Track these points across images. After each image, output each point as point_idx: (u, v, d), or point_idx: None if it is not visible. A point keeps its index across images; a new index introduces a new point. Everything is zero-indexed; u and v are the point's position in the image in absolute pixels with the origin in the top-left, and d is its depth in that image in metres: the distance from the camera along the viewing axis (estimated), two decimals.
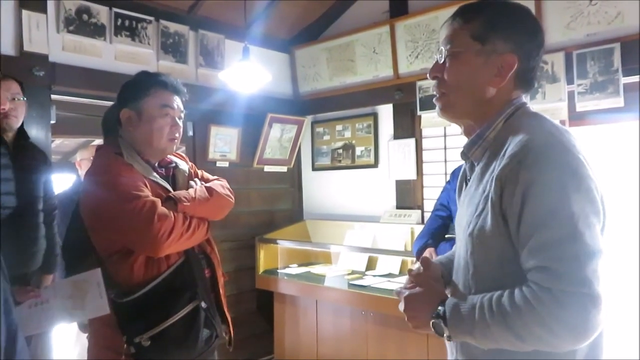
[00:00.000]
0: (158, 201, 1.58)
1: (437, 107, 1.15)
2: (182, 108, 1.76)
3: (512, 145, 0.99)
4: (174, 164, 1.80)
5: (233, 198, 1.85)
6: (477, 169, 1.10)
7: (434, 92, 1.14)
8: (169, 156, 1.81)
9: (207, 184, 1.81)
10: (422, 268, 1.18)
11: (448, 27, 1.12)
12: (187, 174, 1.82)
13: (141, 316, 1.55)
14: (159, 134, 1.68)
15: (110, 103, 2.45)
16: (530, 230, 0.94)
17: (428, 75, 1.15)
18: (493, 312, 0.95)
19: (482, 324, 0.96)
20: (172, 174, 1.79)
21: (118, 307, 1.59)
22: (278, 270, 3.69)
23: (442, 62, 1.11)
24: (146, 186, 1.61)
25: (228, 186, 1.87)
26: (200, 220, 1.69)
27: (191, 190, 1.72)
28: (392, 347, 2.95)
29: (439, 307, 1.04)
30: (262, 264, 3.71)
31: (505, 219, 0.98)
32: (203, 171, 1.93)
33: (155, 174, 1.70)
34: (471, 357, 1.09)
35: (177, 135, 1.73)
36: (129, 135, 1.71)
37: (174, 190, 1.71)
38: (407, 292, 1.11)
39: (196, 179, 1.83)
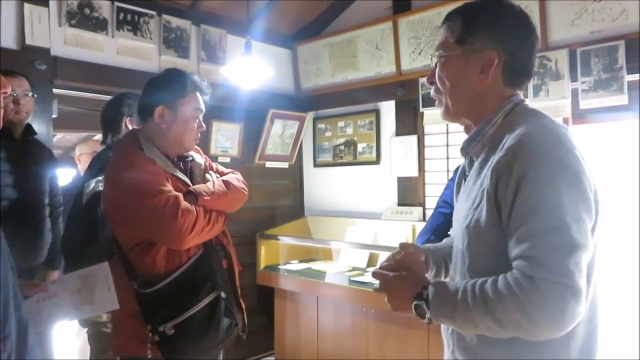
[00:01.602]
0: (181, 196, 1.64)
1: (439, 110, 1.20)
2: (204, 108, 1.83)
3: (510, 139, 1.02)
4: (190, 158, 1.85)
5: (247, 191, 1.91)
6: (476, 164, 1.13)
7: (433, 97, 1.20)
8: None
9: (224, 178, 1.86)
10: (401, 252, 1.23)
11: (439, 33, 1.18)
12: (203, 167, 1.87)
13: (164, 306, 1.61)
14: (190, 134, 1.76)
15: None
16: (519, 220, 0.96)
17: (426, 81, 1.22)
18: (475, 296, 0.97)
19: (464, 307, 0.98)
20: (189, 168, 1.83)
21: (142, 298, 1.64)
22: (279, 267, 3.69)
23: (434, 68, 1.17)
24: (168, 181, 1.66)
25: (243, 179, 1.93)
26: (218, 213, 1.75)
27: (210, 184, 1.77)
28: (393, 344, 2.95)
29: (423, 290, 1.06)
30: (263, 260, 3.72)
31: (499, 211, 1.00)
32: (217, 164, 1.98)
33: (174, 168, 1.75)
34: (467, 353, 1.10)
35: (199, 134, 1.81)
36: (157, 130, 1.74)
37: (192, 183, 1.76)
38: (390, 275, 1.14)
39: (211, 172, 1.88)
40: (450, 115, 1.18)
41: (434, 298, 1.03)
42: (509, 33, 1.10)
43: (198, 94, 1.79)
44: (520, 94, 1.15)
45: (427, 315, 1.04)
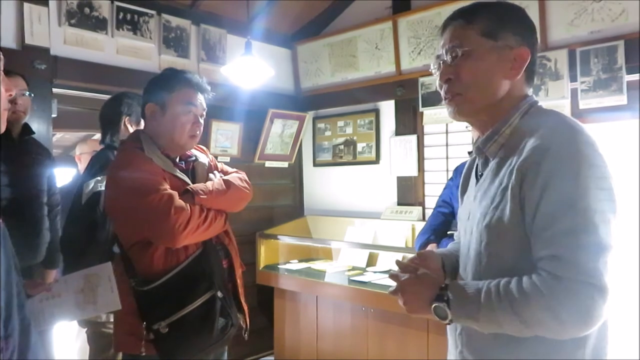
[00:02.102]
0: (175, 194, 1.64)
1: (451, 109, 1.15)
2: (204, 106, 1.82)
3: (535, 138, 1.01)
4: (194, 158, 1.86)
5: (251, 190, 1.90)
6: (492, 163, 1.11)
7: (445, 95, 1.14)
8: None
9: (225, 177, 1.85)
10: (418, 258, 1.21)
11: (451, 29, 1.13)
12: (206, 167, 1.87)
13: (160, 304, 1.62)
14: (181, 130, 1.74)
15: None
16: (546, 219, 0.95)
17: (439, 79, 1.14)
18: (500, 297, 0.97)
19: (488, 308, 0.98)
20: (191, 167, 1.83)
21: (139, 295, 1.65)
22: (279, 266, 3.69)
23: (451, 63, 1.11)
24: (165, 179, 1.66)
25: (246, 178, 1.92)
26: (217, 212, 1.75)
27: (209, 183, 1.77)
28: (393, 343, 2.95)
29: (442, 291, 1.05)
30: (263, 260, 3.72)
31: (523, 210, 1.00)
32: (223, 164, 1.98)
33: (174, 167, 1.75)
34: (478, 353, 1.09)
35: (197, 132, 1.79)
36: (151, 129, 1.77)
37: (194, 183, 1.77)
38: (405, 277, 1.12)
39: (215, 172, 1.88)
40: (469, 112, 1.14)
41: (456, 299, 1.02)
42: (530, 32, 1.12)
43: (191, 90, 1.77)
44: (533, 95, 1.16)
45: (449, 317, 1.03)
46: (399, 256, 3.35)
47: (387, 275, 3.16)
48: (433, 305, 1.05)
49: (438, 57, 1.15)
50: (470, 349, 1.11)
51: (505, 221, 1.02)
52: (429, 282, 1.10)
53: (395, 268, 1.19)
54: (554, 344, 0.98)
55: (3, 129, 1.02)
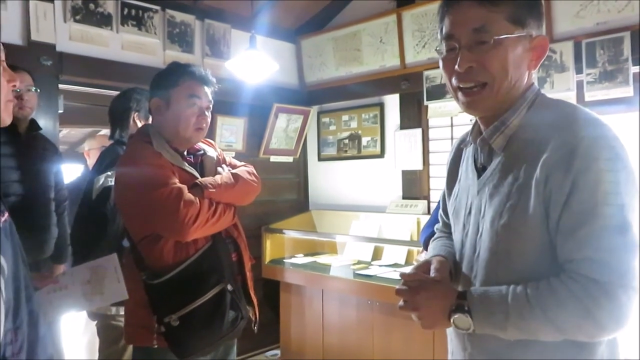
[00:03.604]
0: (184, 188, 1.65)
1: (468, 99, 1.05)
2: (210, 99, 1.82)
3: (559, 133, 0.96)
4: (202, 151, 1.87)
5: (259, 183, 1.90)
6: (501, 157, 1.05)
7: (463, 85, 1.04)
8: (198, 143, 1.87)
9: (234, 170, 1.86)
10: (425, 265, 1.13)
11: (468, 8, 1.03)
12: (215, 161, 1.87)
13: (171, 297, 1.64)
14: (186, 123, 1.74)
15: (117, 93, 2.47)
16: (578, 218, 0.91)
17: (458, 67, 1.03)
18: (531, 304, 0.92)
19: (517, 317, 0.93)
20: (200, 161, 1.84)
21: (149, 289, 1.66)
22: (284, 260, 3.71)
23: (473, 50, 1.01)
24: (174, 173, 1.67)
25: (254, 172, 1.92)
26: (226, 205, 1.76)
27: (217, 177, 1.78)
28: (398, 337, 2.96)
29: (460, 300, 0.99)
30: (269, 254, 3.74)
31: (547, 209, 0.95)
32: (231, 158, 1.99)
33: (183, 161, 1.76)
34: (491, 356, 1.05)
35: (204, 125, 1.78)
36: (158, 123, 1.78)
37: (202, 176, 1.77)
38: (415, 291, 1.04)
39: (223, 165, 1.88)
40: (491, 105, 1.04)
41: (480, 309, 0.97)
42: (543, 19, 1.06)
43: (195, 83, 1.76)
44: (534, 83, 1.10)
45: (472, 328, 0.98)
46: (404, 250, 3.36)
47: (392, 269, 3.17)
48: (453, 317, 0.99)
49: (450, 37, 1.05)
50: (483, 351, 1.05)
51: (527, 220, 0.97)
52: (442, 291, 1.03)
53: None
54: (576, 344, 0.95)
55: (8, 122, 1.00)
